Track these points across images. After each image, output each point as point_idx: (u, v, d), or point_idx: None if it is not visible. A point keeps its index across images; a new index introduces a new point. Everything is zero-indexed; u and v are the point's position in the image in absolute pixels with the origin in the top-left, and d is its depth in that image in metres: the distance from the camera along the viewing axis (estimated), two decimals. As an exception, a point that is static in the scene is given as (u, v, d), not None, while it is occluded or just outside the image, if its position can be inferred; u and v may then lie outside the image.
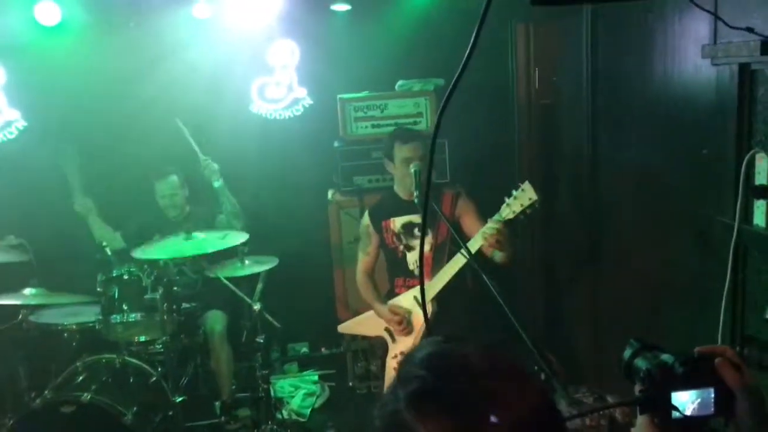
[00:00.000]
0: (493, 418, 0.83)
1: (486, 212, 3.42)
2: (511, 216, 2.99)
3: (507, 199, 3.01)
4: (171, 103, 4.32)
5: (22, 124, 4.31)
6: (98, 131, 4.41)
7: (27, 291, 3.65)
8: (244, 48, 4.42)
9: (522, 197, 2.96)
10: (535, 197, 2.94)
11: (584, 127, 3.79)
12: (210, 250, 3.60)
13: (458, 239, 2.69)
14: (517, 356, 0.99)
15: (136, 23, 4.24)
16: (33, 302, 3.64)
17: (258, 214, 4.51)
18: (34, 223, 4.33)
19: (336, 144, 4.46)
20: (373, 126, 4.42)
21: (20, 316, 3.67)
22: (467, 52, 1.29)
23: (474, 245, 3.07)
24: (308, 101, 4.58)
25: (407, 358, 0.96)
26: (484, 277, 2.58)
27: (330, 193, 4.46)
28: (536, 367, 2.20)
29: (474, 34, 1.26)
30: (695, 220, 2.73)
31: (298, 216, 4.72)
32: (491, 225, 3.01)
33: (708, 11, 2.30)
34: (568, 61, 4.17)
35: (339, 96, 4.43)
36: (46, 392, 3.39)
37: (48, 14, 4.04)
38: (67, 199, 4.19)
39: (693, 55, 2.66)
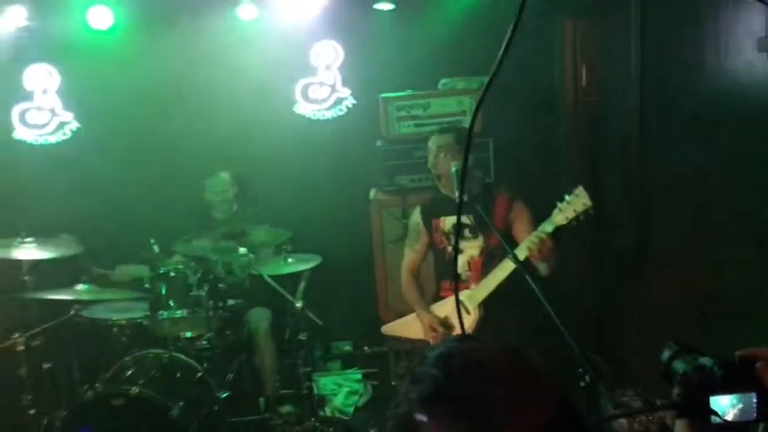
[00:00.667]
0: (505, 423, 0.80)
1: (533, 214, 3.38)
2: (563, 222, 2.91)
3: (559, 204, 2.92)
4: (217, 103, 4.41)
5: (75, 125, 4.46)
6: (148, 132, 4.54)
7: (79, 287, 3.75)
8: (287, 49, 4.47)
9: (576, 203, 2.88)
10: (589, 203, 2.85)
11: (632, 126, 3.69)
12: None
13: (505, 245, 2.63)
14: (535, 359, 0.95)
15: (183, 26, 4.34)
16: (85, 298, 3.74)
17: (301, 212, 4.56)
18: (86, 222, 4.46)
19: (378, 143, 4.46)
20: (416, 125, 4.40)
21: (72, 311, 3.79)
22: (502, 47, 1.26)
23: (520, 253, 2.99)
24: (351, 101, 4.60)
25: (421, 358, 0.94)
26: (530, 282, 2.52)
27: (372, 193, 4.47)
28: (582, 370, 2.15)
29: (510, 30, 1.23)
30: (750, 223, 2.63)
31: (340, 215, 4.75)
32: (538, 233, 2.95)
33: (764, 2, 2.20)
34: (615, 57, 4.07)
35: (381, 95, 4.43)
36: (97, 385, 3.49)
37: (100, 18, 4.17)
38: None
39: (748, 49, 2.56)
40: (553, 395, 0.87)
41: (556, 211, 2.94)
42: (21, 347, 3.49)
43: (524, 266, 2.82)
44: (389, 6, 4.49)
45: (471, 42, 4.49)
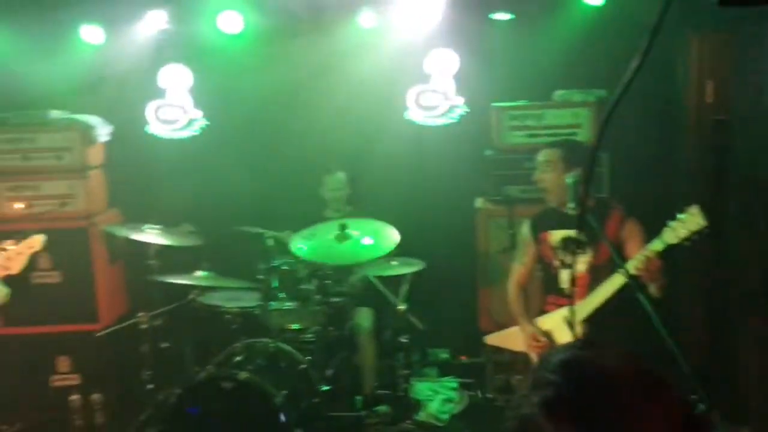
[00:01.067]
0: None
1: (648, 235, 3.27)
2: (674, 241, 2.80)
3: (671, 222, 2.82)
4: (334, 106, 4.59)
5: (203, 122, 4.77)
6: (269, 132, 4.79)
7: (198, 273, 4.02)
8: (404, 56, 4.56)
9: (689, 222, 2.77)
10: (703, 223, 2.74)
11: (762, 146, 3.48)
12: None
13: (617, 258, 2.58)
14: (660, 368, 0.94)
15: (307, 32, 4.54)
16: (202, 284, 4.00)
17: (407, 217, 4.62)
18: (207, 213, 4.76)
19: (488, 152, 4.45)
20: (528, 135, 4.36)
21: (190, 296, 4.06)
22: (637, 63, 1.25)
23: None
24: (464, 109, 4.62)
25: (541, 363, 0.95)
26: (642, 299, 2.45)
27: (479, 201, 4.46)
28: (695, 397, 2.07)
29: (645, 45, 1.22)
30: None
31: (446, 222, 4.78)
32: (645, 251, 2.87)
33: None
34: (746, 73, 3.85)
35: (494, 104, 4.42)
36: (209, 367, 3.70)
37: (231, 23, 4.43)
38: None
39: None
40: (681, 407, 0.86)
41: (667, 230, 2.84)
42: (144, 326, 3.77)
43: (635, 281, 2.74)
44: (507, 16, 4.49)
45: (588, 55, 4.42)
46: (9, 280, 3.28)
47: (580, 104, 4.31)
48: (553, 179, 3.35)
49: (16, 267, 3.24)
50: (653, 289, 3.05)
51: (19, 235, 3.30)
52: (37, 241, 3.30)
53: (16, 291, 3.32)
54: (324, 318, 3.78)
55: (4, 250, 3.22)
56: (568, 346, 0.96)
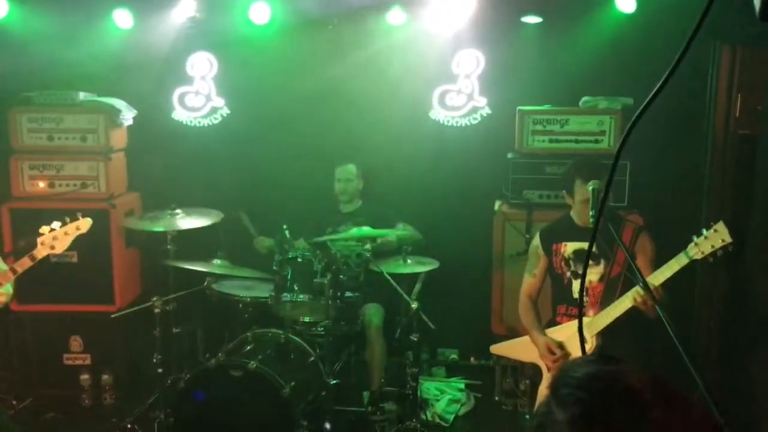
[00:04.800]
0: None
1: (663, 246, 3.24)
2: (698, 257, 2.79)
3: (695, 238, 2.81)
4: (357, 101, 4.60)
5: (226, 111, 4.79)
6: (290, 123, 4.80)
7: (214, 261, 4.04)
8: (430, 54, 4.55)
9: (714, 238, 2.76)
10: (729, 240, 2.73)
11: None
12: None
13: (638, 272, 2.55)
14: (678, 385, 0.92)
15: (334, 25, 4.55)
16: (218, 271, 4.02)
17: (424, 215, 4.62)
18: (225, 201, 4.77)
19: (509, 155, 4.43)
20: (551, 140, 4.33)
21: (206, 283, 4.08)
22: (666, 74, 1.23)
23: (652, 281, 2.90)
24: (487, 111, 4.60)
25: (562, 377, 0.93)
26: (660, 314, 2.41)
27: (497, 204, 4.44)
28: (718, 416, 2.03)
29: (679, 54, 1.20)
30: None
31: (463, 223, 4.76)
32: (671, 264, 2.85)
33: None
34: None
35: (519, 107, 4.40)
36: (219, 355, 3.72)
37: (260, 13, 4.44)
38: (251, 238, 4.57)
39: None
40: (710, 424, 0.85)
41: (691, 245, 2.83)
42: (158, 310, 3.80)
43: (653, 296, 2.71)
44: (537, 19, 4.45)
45: (617, 62, 4.38)
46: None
47: (606, 111, 4.27)
48: (582, 205, 3.32)
49: (60, 247, 3.36)
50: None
51: (66, 217, 3.39)
52: (86, 223, 3.42)
53: (34, 269, 3.36)
54: (336, 312, 3.79)
55: (53, 230, 3.29)
56: (587, 361, 0.95)
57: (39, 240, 3.31)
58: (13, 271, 3.30)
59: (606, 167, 3.42)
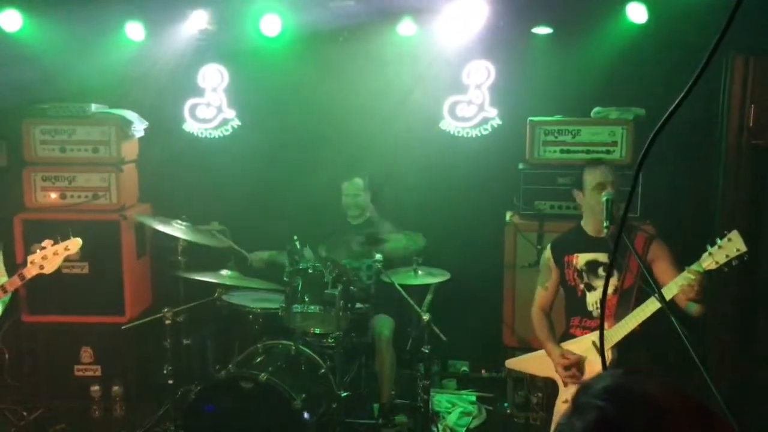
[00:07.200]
0: None
1: (675, 257, 3.20)
2: (713, 266, 2.74)
3: (709, 248, 2.76)
4: (367, 112, 4.59)
5: (237, 123, 4.81)
6: (301, 134, 4.81)
7: (224, 272, 4.03)
8: (441, 65, 4.56)
9: (728, 247, 2.71)
10: (744, 249, 2.68)
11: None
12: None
13: (652, 283, 2.51)
14: (700, 396, 0.91)
15: (345, 37, 4.55)
16: (228, 282, 4.01)
17: (434, 227, 4.60)
18: (235, 212, 4.79)
19: (520, 166, 4.41)
20: (562, 151, 4.32)
21: (216, 294, 4.07)
22: (688, 86, 1.21)
23: (668, 293, 2.83)
24: (498, 121, 4.59)
25: (584, 388, 0.92)
26: (678, 327, 2.38)
27: (508, 215, 4.42)
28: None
29: (700, 67, 1.19)
30: None
31: (474, 234, 4.74)
32: (688, 275, 2.79)
33: None
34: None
35: (530, 118, 4.38)
36: (229, 366, 3.71)
37: (271, 25, 4.45)
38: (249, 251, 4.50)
39: None
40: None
41: (705, 255, 2.78)
42: (168, 321, 3.79)
43: (670, 307, 2.68)
44: (547, 30, 4.45)
45: (628, 73, 4.37)
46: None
47: (617, 122, 4.25)
48: (596, 195, 3.27)
49: (50, 267, 3.25)
50: (695, 308, 2.99)
51: (58, 235, 3.30)
52: (75, 244, 3.30)
53: (44, 280, 3.35)
54: (346, 324, 3.77)
55: (43, 248, 3.25)
56: (608, 373, 0.94)
57: (29, 259, 3.24)
58: (3, 290, 3.24)
59: (607, 162, 3.45)
